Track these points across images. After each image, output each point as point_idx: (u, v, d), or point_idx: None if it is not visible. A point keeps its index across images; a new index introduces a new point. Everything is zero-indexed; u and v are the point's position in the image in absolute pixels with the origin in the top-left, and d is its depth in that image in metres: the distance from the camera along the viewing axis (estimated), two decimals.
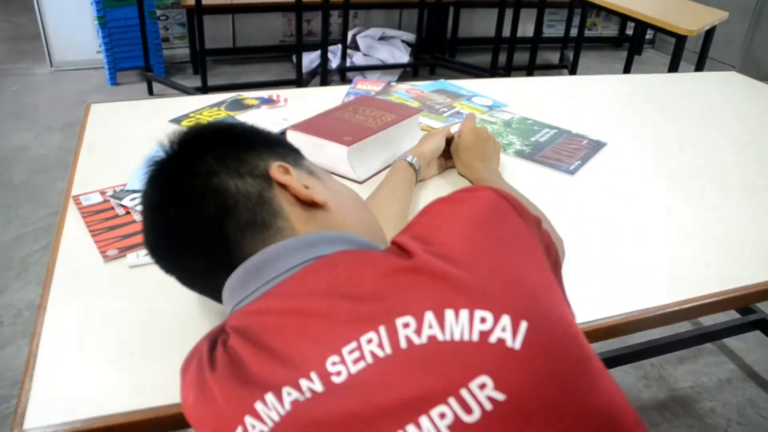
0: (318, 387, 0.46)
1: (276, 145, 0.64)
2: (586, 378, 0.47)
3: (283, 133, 1.09)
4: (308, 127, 1.07)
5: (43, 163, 2.74)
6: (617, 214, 1.01)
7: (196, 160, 0.59)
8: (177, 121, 1.24)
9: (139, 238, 0.85)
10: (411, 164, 1.00)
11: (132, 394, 0.63)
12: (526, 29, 4.15)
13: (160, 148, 0.61)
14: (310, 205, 0.59)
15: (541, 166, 1.15)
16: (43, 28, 3.61)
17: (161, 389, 0.62)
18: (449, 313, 0.45)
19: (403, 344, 0.45)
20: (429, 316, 0.45)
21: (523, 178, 1.09)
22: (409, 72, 4.08)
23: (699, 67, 2.95)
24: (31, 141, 2.93)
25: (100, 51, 3.60)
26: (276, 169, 0.59)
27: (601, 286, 0.83)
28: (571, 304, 0.63)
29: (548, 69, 4.38)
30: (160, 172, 0.60)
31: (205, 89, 3.28)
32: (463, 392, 0.43)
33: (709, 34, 2.86)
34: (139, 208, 0.91)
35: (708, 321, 1.87)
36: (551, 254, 0.59)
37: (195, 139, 0.62)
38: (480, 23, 4.51)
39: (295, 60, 3.54)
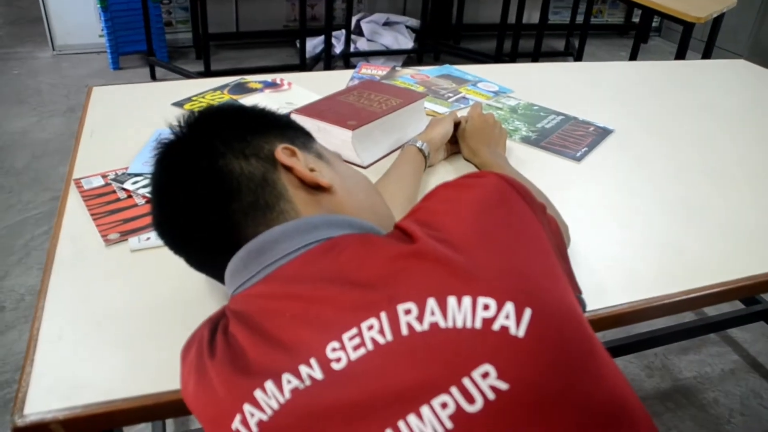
0: (318, 374, 0.45)
1: (286, 127, 0.64)
2: (591, 369, 0.46)
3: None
4: (312, 111, 1.06)
5: (45, 147, 2.73)
6: (623, 201, 1.00)
7: (202, 141, 0.59)
8: (179, 104, 1.23)
9: (141, 222, 0.84)
10: (421, 150, 0.99)
11: (133, 379, 0.62)
12: (532, 16, 4.12)
13: (169, 130, 0.61)
14: (315, 188, 0.59)
15: (547, 153, 1.13)
16: (45, 11, 3.59)
17: (163, 375, 0.62)
18: (452, 300, 0.45)
19: (404, 331, 0.44)
20: (431, 303, 0.45)
21: (529, 164, 1.08)
22: (414, 58, 4.05)
23: (706, 56, 2.92)
24: (33, 125, 2.92)
25: (103, 35, 3.58)
26: (281, 151, 0.59)
27: (606, 275, 0.82)
28: (579, 286, 0.63)
29: (553, 56, 4.35)
30: (167, 153, 0.60)
31: (208, 74, 3.26)
32: (466, 381, 0.42)
33: (717, 21, 2.83)
34: (141, 191, 0.91)
35: (712, 311, 1.86)
36: (557, 240, 0.58)
37: (203, 121, 0.61)
38: (485, 9, 4.47)
39: (298, 45, 3.51)
